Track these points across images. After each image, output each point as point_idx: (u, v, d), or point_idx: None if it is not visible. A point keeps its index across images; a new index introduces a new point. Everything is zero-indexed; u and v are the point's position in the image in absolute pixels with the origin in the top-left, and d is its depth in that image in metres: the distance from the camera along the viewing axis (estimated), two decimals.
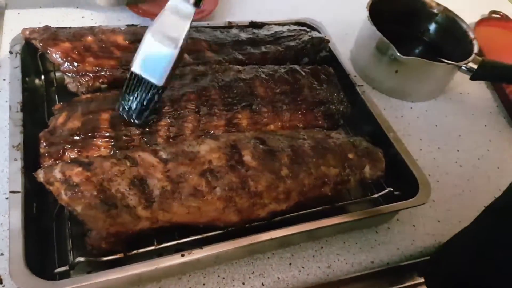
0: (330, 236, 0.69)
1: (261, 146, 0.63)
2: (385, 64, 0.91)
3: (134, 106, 0.61)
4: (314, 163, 0.62)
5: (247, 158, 0.61)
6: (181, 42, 0.59)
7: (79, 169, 0.54)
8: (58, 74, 0.76)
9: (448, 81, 0.98)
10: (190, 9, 0.59)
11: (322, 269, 0.65)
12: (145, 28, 0.78)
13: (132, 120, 0.63)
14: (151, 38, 0.59)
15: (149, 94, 0.60)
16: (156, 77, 0.59)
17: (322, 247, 0.67)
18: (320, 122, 0.72)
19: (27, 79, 0.72)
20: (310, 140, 0.65)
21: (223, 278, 0.62)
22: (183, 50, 0.60)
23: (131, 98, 0.61)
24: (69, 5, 0.95)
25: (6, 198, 0.62)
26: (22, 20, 0.90)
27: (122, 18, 0.96)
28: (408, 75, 0.92)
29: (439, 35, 1.03)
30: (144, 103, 0.61)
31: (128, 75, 0.61)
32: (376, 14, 0.94)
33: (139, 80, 0.60)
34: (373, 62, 0.94)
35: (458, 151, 0.89)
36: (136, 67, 0.59)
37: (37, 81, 0.77)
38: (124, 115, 0.63)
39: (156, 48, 0.58)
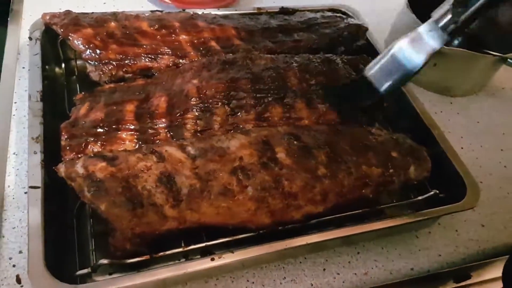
0: (367, 241, 0.64)
1: (295, 142, 0.58)
2: None
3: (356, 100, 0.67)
4: (354, 162, 0.58)
5: (281, 155, 0.56)
6: (418, 68, 0.60)
7: (103, 164, 0.51)
8: (79, 62, 0.73)
9: (491, 75, 0.91)
10: (440, 40, 0.58)
11: (359, 276, 0.61)
12: (169, 14, 0.75)
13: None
14: (393, 53, 0.60)
15: (370, 97, 0.64)
16: (380, 86, 0.62)
17: (358, 253, 0.63)
18: (357, 116, 0.67)
19: (47, 67, 0.69)
20: (349, 136, 0.60)
21: (253, 283, 0.58)
22: (416, 72, 0.61)
23: (357, 94, 0.66)
24: None
25: (25, 193, 0.59)
26: (42, 5, 0.87)
27: (145, 5, 0.92)
28: (448, 68, 0.86)
29: (481, 24, 0.95)
30: (364, 102, 0.66)
31: (360, 76, 0.65)
32: (414, 1, 0.87)
33: (367, 82, 0.63)
34: None
35: (502, 150, 0.82)
36: (369, 72, 0.63)
37: (57, 69, 0.74)
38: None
39: (393, 63, 0.61)
